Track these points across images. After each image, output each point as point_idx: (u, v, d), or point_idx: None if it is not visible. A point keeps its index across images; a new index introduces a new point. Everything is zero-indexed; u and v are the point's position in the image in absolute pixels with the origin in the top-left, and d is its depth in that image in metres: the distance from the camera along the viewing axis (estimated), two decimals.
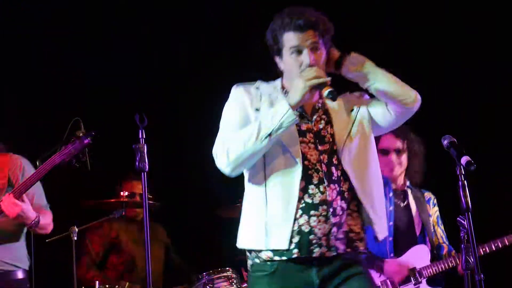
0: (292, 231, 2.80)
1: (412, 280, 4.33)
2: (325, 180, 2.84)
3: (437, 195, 4.67)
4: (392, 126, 3.03)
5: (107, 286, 4.70)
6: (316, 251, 2.81)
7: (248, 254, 2.94)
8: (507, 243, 4.42)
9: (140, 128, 3.32)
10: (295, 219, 2.81)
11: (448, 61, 5.66)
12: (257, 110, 2.89)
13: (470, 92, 5.64)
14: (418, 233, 4.53)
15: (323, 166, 2.86)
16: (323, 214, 2.82)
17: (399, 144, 4.47)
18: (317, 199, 2.83)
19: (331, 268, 2.84)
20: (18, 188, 3.78)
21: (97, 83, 5.52)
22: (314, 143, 2.89)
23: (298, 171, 2.83)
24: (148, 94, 5.63)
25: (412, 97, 2.92)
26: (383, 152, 4.40)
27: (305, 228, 2.82)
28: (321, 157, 2.87)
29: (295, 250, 2.82)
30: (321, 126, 2.92)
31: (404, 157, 4.49)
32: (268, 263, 2.86)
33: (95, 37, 5.58)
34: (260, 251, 2.87)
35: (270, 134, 2.75)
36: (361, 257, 2.92)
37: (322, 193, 2.83)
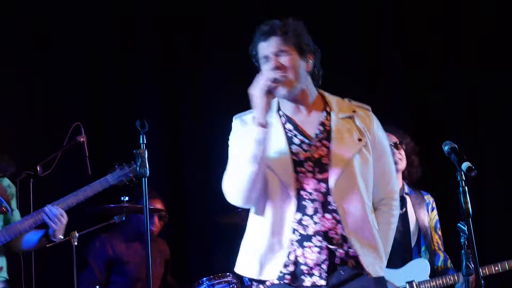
0: (286, 261, 2.78)
1: None
2: (319, 210, 2.79)
3: (437, 201, 4.66)
4: None
5: None
6: (307, 281, 2.79)
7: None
8: (508, 268, 4.40)
9: (141, 134, 3.33)
10: (290, 251, 2.78)
11: (449, 66, 5.67)
12: None
13: (471, 98, 5.65)
14: (413, 245, 4.50)
15: (320, 195, 2.80)
16: (317, 245, 2.78)
17: (395, 139, 4.47)
18: (310, 230, 2.78)
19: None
20: (65, 201, 3.89)
21: (98, 88, 5.53)
22: (312, 172, 2.81)
23: (292, 202, 2.78)
24: (149, 100, 5.64)
25: None
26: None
27: (301, 260, 2.79)
28: (319, 185, 2.81)
29: (288, 277, 2.80)
30: (322, 153, 2.84)
31: (403, 153, 4.49)
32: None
33: (95, 40, 5.59)
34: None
35: (254, 155, 2.72)
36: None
37: (316, 223, 2.78)
